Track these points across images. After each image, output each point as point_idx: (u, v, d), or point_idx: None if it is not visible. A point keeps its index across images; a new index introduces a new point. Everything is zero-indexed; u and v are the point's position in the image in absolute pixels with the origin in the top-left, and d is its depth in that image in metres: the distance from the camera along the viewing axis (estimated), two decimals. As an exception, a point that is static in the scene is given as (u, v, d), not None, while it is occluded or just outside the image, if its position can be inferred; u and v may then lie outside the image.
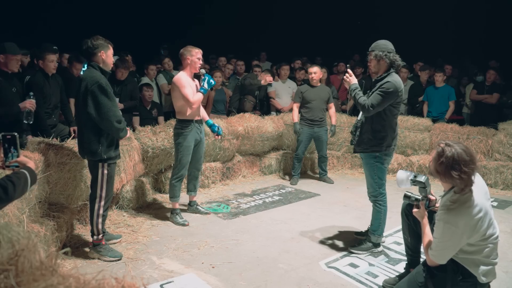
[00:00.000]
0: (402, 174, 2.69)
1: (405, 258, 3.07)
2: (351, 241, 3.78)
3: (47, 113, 4.58)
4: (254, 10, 12.02)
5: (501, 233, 3.88)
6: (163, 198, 4.82)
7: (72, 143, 3.62)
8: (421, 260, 2.89)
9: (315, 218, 4.44)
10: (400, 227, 3.07)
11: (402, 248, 3.42)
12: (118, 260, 3.28)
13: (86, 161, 3.45)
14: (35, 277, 1.05)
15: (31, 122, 4.22)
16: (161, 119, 6.13)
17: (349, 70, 3.57)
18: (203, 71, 4.10)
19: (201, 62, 4.06)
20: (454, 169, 2.17)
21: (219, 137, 4.43)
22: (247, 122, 5.75)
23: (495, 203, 5.00)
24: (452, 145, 2.22)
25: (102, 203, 3.28)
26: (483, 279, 2.23)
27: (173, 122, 4.61)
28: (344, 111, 7.20)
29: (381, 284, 3.04)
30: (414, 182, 2.62)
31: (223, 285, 2.96)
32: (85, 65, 4.77)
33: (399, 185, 2.71)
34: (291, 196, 5.25)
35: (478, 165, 2.21)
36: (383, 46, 3.37)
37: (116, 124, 3.14)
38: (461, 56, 9.27)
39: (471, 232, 2.18)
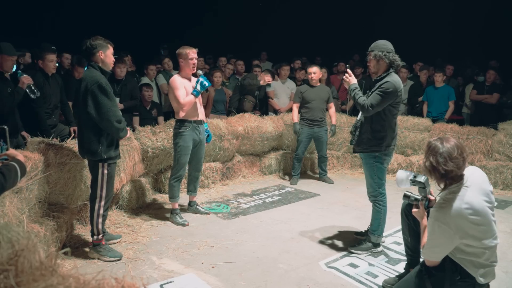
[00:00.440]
0: (401, 174, 2.69)
1: (405, 258, 3.07)
2: (351, 241, 3.78)
3: (47, 113, 4.58)
4: (254, 10, 12.03)
5: (501, 233, 3.89)
6: (163, 198, 4.82)
7: (72, 143, 3.62)
8: (421, 260, 2.89)
9: (315, 218, 4.44)
10: (400, 227, 3.07)
11: (402, 248, 3.42)
12: (118, 260, 3.28)
13: (86, 161, 3.45)
14: (35, 277, 1.05)
15: (39, 95, 4.25)
16: (161, 119, 6.13)
17: (348, 70, 3.57)
18: (200, 72, 4.07)
19: (195, 61, 4.02)
20: (427, 157, 2.26)
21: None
22: (247, 122, 5.75)
23: (495, 204, 4.99)
24: (443, 138, 2.27)
25: (102, 203, 3.28)
26: (481, 280, 2.22)
27: (173, 122, 4.62)
28: (344, 111, 7.21)
29: (381, 284, 3.05)
30: (414, 182, 2.62)
31: (223, 285, 2.96)
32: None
33: (398, 185, 2.71)
34: (291, 196, 5.25)
35: (459, 160, 2.20)
36: (383, 46, 3.37)
37: (116, 124, 3.15)
38: (461, 56, 9.26)
39: (464, 233, 2.17)
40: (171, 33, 10.96)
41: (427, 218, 2.54)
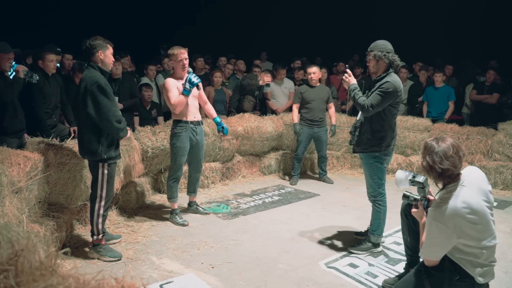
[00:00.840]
0: (400, 174, 2.69)
1: (405, 258, 3.07)
2: (351, 241, 3.78)
3: (47, 113, 4.58)
4: (254, 10, 12.03)
5: (500, 233, 3.90)
6: (163, 198, 4.82)
7: (72, 143, 3.62)
8: (420, 260, 2.90)
9: (315, 218, 4.45)
10: (400, 227, 3.07)
11: (401, 248, 3.43)
12: (118, 260, 3.28)
13: (85, 161, 3.45)
14: (35, 277, 1.06)
15: (38, 77, 4.29)
16: (160, 119, 6.13)
17: (348, 70, 3.56)
18: (189, 69, 4.03)
19: (185, 62, 3.99)
20: (423, 155, 2.29)
21: (225, 136, 4.40)
22: (246, 122, 5.75)
23: (494, 203, 4.99)
24: (439, 138, 2.29)
25: (103, 203, 3.28)
26: (480, 280, 2.23)
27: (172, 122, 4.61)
28: (343, 111, 7.21)
29: (380, 284, 3.05)
30: (413, 182, 2.62)
31: (223, 285, 2.96)
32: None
33: (397, 185, 2.71)
34: (290, 196, 5.25)
35: (455, 159, 2.21)
36: (382, 46, 3.37)
37: (116, 124, 3.15)
38: (461, 56, 9.27)
39: (462, 232, 2.17)
40: (171, 33, 10.97)
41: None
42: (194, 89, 4.01)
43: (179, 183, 4.25)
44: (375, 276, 3.18)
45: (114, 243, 3.58)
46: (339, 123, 6.36)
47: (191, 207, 4.48)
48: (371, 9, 11.15)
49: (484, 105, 7.13)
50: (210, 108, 4.40)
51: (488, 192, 2.29)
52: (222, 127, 4.24)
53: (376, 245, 3.61)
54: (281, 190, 5.49)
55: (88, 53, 3.19)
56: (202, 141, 4.23)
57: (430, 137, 2.37)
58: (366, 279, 3.13)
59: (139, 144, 4.64)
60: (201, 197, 4.94)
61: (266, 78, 6.31)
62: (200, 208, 4.48)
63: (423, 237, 2.44)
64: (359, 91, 3.43)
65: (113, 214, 4.22)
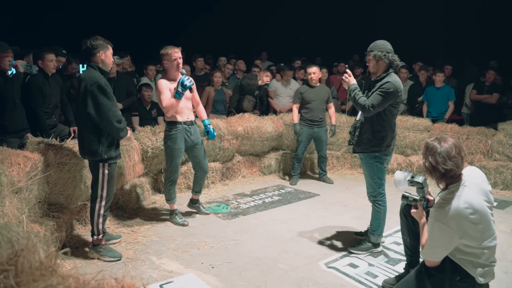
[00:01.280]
0: (399, 175, 2.69)
1: (405, 258, 3.07)
2: (351, 241, 3.78)
3: (47, 113, 4.58)
4: (255, 10, 12.03)
5: (500, 233, 3.90)
6: (163, 198, 4.80)
7: (72, 143, 3.62)
8: (421, 260, 2.90)
9: (315, 218, 4.45)
10: (400, 227, 3.07)
11: (401, 248, 3.43)
12: (118, 260, 3.28)
13: (85, 161, 3.45)
14: (35, 277, 1.06)
15: (37, 68, 4.31)
16: (160, 119, 6.13)
17: (348, 70, 3.55)
18: (183, 71, 3.93)
19: (179, 61, 3.89)
20: (425, 156, 2.26)
21: (208, 141, 4.31)
22: (246, 122, 5.75)
23: (494, 203, 4.99)
24: (440, 138, 2.28)
25: (103, 203, 3.28)
26: (481, 280, 2.23)
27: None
28: (343, 111, 7.21)
29: (380, 284, 3.05)
30: (412, 182, 2.62)
31: (223, 285, 2.96)
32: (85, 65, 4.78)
33: (396, 186, 2.71)
34: (290, 196, 5.25)
35: (458, 159, 2.21)
36: (382, 46, 3.37)
37: (116, 124, 3.15)
38: (461, 56, 9.27)
39: (464, 232, 2.17)
40: (171, 33, 10.96)
41: (426, 219, 2.54)
42: (189, 92, 3.96)
43: (176, 185, 4.24)
44: (375, 276, 3.18)
45: (114, 243, 3.58)
46: (339, 123, 6.36)
47: (194, 204, 4.46)
48: (371, 9, 11.15)
49: (484, 105, 7.13)
50: (201, 110, 4.31)
51: (488, 192, 2.29)
52: (207, 131, 4.16)
53: (376, 245, 3.61)
54: (281, 190, 5.49)
55: (89, 53, 3.19)
56: (198, 140, 4.14)
57: (431, 138, 2.35)
58: (366, 279, 3.13)
59: (139, 144, 4.65)
60: (201, 197, 4.92)
61: (265, 79, 6.31)
62: (202, 208, 4.45)
63: (424, 238, 2.44)
64: (359, 91, 3.43)
65: (113, 214, 4.22)
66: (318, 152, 5.93)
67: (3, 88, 4.15)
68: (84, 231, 3.75)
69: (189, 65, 6.99)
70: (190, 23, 11.86)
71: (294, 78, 7.23)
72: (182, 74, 3.87)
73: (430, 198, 2.65)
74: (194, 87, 4.07)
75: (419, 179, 2.58)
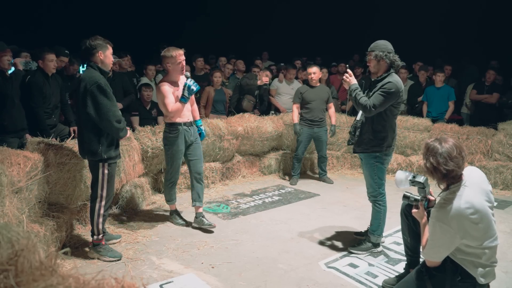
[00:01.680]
0: (401, 175, 2.69)
1: (405, 258, 3.07)
2: (351, 241, 3.78)
3: (47, 113, 4.58)
4: (255, 9, 12.02)
5: (500, 233, 3.89)
6: (163, 198, 4.80)
7: (72, 143, 3.62)
8: (421, 260, 2.90)
9: (315, 218, 4.44)
10: (400, 227, 3.07)
11: (401, 248, 3.43)
12: (118, 260, 3.28)
13: (85, 161, 3.45)
14: (35, 277, 1.05)
15: (36, 64, 4.34)
16: (160, 119, 6.12)
17: (348, 70, 3.53)
18: (187, 74, 3.82)
19: (183, 64, 3.81)
20: (426, 158, 2.25)
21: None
22: (246, 122, 5.75)
23: (494, 203, 4.99)
24: (440, 139, 2.27)
25: (103, 203, 3.28)
26: (481, 280, 2.23)
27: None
28: (343, 111, 7.21)
29: (380, 284, 3.05)
30: (413, 182, 2.62)
31: (223, 285, 2.96)
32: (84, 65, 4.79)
33: (398, 186, 2.71)
34: (290, 196, 5.25)
35: (459, 160, 2.21)
36: (383, 47, 3.36)
37: (115, 124, 3.15)
38: (461, 56, 9.27)
39: (465, 232, 2.17)
40: (171, 33, 10.97)
41: (427, 219, 2.54)
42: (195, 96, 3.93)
43: (176, 186, 4.20)
44: (375, 276, 3.18)
45: (114, 243, 3.57)
46: (339, 123, 6.36)
47: (197, 219, 4.01)
48: (371, 9, 11.15)
49: (484, 105, 7.13)
50: (195, 109, 4.20)
51: (489, 192, 2.30)
52: (200, 133, 4.11)
53: (376, 245, 3.61)
54: (281, 190, 5.49)
55: (88, 53, 3.19)
56: (196, 140, 4.06)
57: (431, 138, 2.35)
58: (366, 279, 3.13)
59: (139, 144, 4.64)
60: (201, 197, 4.93)
61: (264, 78, 6.31)
62: (205, 220, 4.00)
63: (424, 238, 2.44)
64: (360, 91, 3.41)
65: (113, 214, 4.22)
66: (318, 152, 5.93)
67: (2, 86, 4.15)
68: (84, 231, 3.75)
69: (189, 65, 6.99)
70: (190, 23, 11.86)
71: (296, 78, 7.23)
72: (187, 78, 3.79)
73: (431, 198, 2.65)
74: (210, 87, 4.06)
75: (421, 179, 2.58)
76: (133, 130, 4.93)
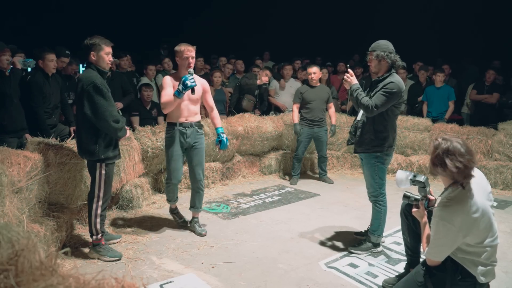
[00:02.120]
0: (401, 174, 2.69)
1: (405, 258, 3.07)
2: (351, 241, 3.78)
3: (47, 113, 4.58)
4: (255, 9, 12.03)
5: (500, 233, 3.89)
6: (163, 198, 4.81)
7: (72, 143, 3.62)
8: (421, 260, 2.90)
9: (315, 218, 4.44)
10: (400, 227, 3.07)
11: (401, 248, 3.43)
12: (118, 260, 3.28)
13: (85, 161, 3.45)
14: (35, 277, 1.05)
15: (35, 62, 4.33)
16: (160, 119, 6.13)
17: (349, 70, 3.50)
18: (191, 71, 3.63)
19: (191, 60, 3.66)
20: (449, 159, 2.19)
21: (220, 151, 4.00)
22: (247, 122, 5.75)
23: (494, 203, 4.99)
24: (448, 138, 2.25)
25: (100, 203, 3.27)
26: (482, 279, 2.23)
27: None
28: (344, 111, 7.21)
29: (381, 284, 3.05)
30: (414, 182, 2.62)
31: (223, 285, 2.96)
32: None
33: (398, 185, 2.71)
34: (290, 196, 5.25)
35: (475, 158, 2.22)
36: (384, 47, 3.36)
37: (113, 124, 3.12)
38: (461, 56, 9.27)
39: (468, 231, 2.18)
40: (171, 32, 10.97)
41: (428, 218, 2.54)
42: (191, 94, 3.66)
43: (176, 189, 4.01)
44: (375, 276, 3.18)
45: (114, 243, 3.57)
46: (339, 123, 6.36)
47: (191, 223, 4.01)
48: (371, 9, 11.15)
49: (484, 105, 7.13)
50: (215, 117, 3.99)
51: (489, 192, 2.31)
52: (220, 141, 3.86)
53: (376, 245, 3.61)
54: (281, 190, 5.49)
55: (84, 53, 3.18)
56: (196, 144, 3.81)
57: (437, 142, 2.28)
58: (366, 279, 3.13)
59: (139, 144, 4.64)
60: (201, 197, 4.94)
61: (264, 78, 6.31)
62: (197, 227, 3.93)
63: (425, 237, 2.44)
64: (361, 91, 3.40)
65: (112, 214, 4.22)
66: (318, 152, 5.93)
67: (1, 86, 4.16)
68: (84, 231, 3.75)
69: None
70: (191, 22, 11.86)
71: (296, 78, 7.23)
72: (190, 74, 3.58)
73: (431, 197, 2.65)
74: (207, 90, 3.87)
75: (421, 178, 2.58)
76: (133, 130, 4.93)
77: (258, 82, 6.32)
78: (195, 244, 3.65)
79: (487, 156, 5.85)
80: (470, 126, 6.22)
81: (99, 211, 3.28)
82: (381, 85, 3.32)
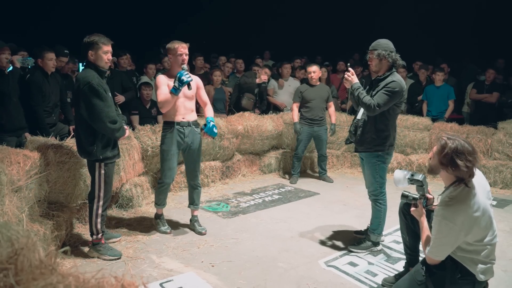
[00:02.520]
0: (399, 174, 2.69)
1: (404, 257, 3.08)
2: (351, 240, 3.78)
3: (46, 112, 4.58)
4: (256, 8, 12.02)
5: (500, 231, 3.90)
6: (163, 197, 4.81)
7: (72, 142, 3.62)
8: (420, 258, 2.90)
9: (315, 217, 4.45)
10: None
11: (401, 247, 3.42)
12: (118, 259, 3.28)
13: (85, 160, 3.44)
14: (35, 276, 1.05)
15: (34, 61, 4.35)
16: (160, 118, 6.13)
17: (350, 69, 3.47)
18: (184, 67, 3.57)
19: (185, 58, 3.62)
20: (460, 159, 2.18)
21: (208, 136, 3.77)
22: (246, 121, 5.75)
23: (494, 202, 5.00)
24: (454, 138, 2.26)
25: (101, 203, 3.26)
26: (481, 277, 2.24)
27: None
28: (343, 110, 7.21)
29: (380, 282, 3.05)
30: (412, 181, 2.62)
31: (223, 284, 2.96)
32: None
33: (396, 185, 2.71)
34: (290, 195, 5.25)
35: (478, 156, 2.25)
36: (385, 46, 3.35)
37: (109, 125, 3.07)
38: (461, 55, 9.26)
39: (469, 230, 2.19)
40: (171, 31, 10.95)
41: (427, 217, 2.55)
42: (187, 89, 3.61)
43: (168, 190, 3.94)
44: (375, 275, 3.18)
45: (114, 242, 3.57)
46: (339, 122, 6.36)
47: (191, 222, 4.00)
48: (371, 9, 11.14)
49: (484, 104, 7.13)
50: (208, 110, 3.91)
51: (489, 190, 2.32)
52: (205, 124, 3.71)
53: (376, 244, 3.61)
54: (281, 189, 5.50)
55: (83, 52, 3.15)
56: (195, 144, 3.77)
57: (441, 140, 2.28)
58: (366, 278, 3.13)
59: (139, 143, 4.65)
60: (201, 196, 4.92)
61: (263, 76, 6.31)
62: (197, 225, 3.93)
63: (424, 236, 2.44)
64: (363, 90, 3.39)
65: (113, 213, 4.22)
66: (318, 151, 5.93)
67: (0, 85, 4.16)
68: (84, 230, 3.75)
69: (188, 64, 6.99)
70: (191, 22, 11.85)
71: (294, 77, 7.22)
72: (184, 70, 3.54)
73: (430, 196, 2.65)
74: (201, 86, 3.84)
75: (419, 177, 2.58)
76: (133, 129, 4.93)
77: (258, 80, 6.33)
78: (195, 242, 3.65)
79: (486, 155, 5.86)
80: (469, 125, 6.24)
81: (99, 211, 3.27)
82: (382, 84, 3.32)
